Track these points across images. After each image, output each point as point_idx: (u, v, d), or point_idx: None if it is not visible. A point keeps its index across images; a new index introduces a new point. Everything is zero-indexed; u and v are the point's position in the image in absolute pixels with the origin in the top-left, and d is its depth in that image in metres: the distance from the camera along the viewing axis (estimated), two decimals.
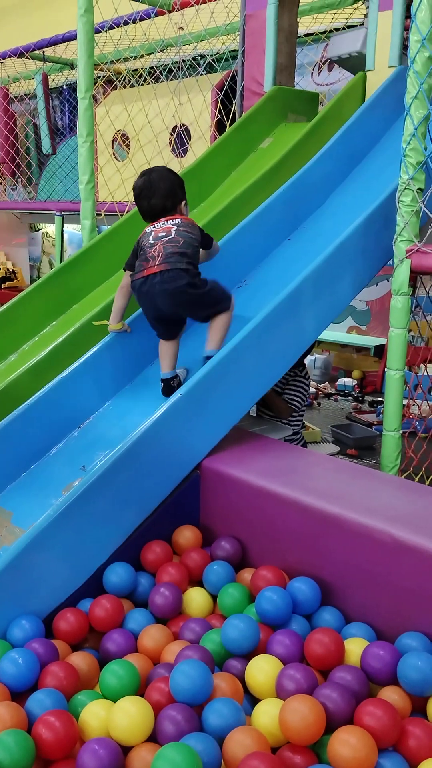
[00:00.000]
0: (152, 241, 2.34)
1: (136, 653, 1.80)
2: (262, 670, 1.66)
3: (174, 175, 2.48)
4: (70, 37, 5.75)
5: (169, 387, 2.39)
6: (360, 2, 4.83)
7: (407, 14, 3.08)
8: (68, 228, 7.27)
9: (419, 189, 2.35)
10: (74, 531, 1.93)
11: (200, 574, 2.08)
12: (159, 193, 2.41)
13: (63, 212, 6.69)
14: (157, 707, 1.57)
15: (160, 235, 2.34)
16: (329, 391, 5.85)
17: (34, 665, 1.66)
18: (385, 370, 2.54)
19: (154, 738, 1.52)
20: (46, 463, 2.34)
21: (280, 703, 1.54)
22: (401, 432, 2.54)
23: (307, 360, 6.18)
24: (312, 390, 5.66)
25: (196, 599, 2.00)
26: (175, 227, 2.35)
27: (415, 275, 2.53)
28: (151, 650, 1.81)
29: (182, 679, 1.55)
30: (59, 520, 1.88)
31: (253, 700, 1.68)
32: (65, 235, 7.05)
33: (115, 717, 1.51)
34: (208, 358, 2.31)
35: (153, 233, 2.37)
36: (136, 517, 2.12)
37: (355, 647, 1.72)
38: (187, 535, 2.20)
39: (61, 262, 6.66)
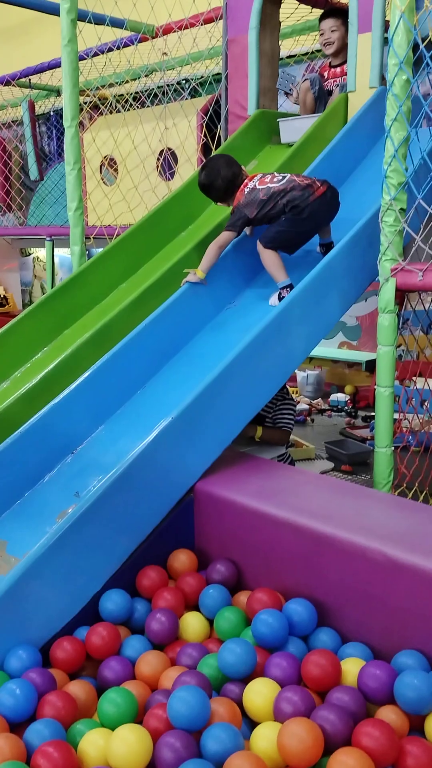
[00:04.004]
0: (280, 182, 2.67)
1: (134, 680, 1.80)
2: (260, 694, 1.66)
3: (225, 156, 2.91)
4: (55, 65, 5.82)
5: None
6: None
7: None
8: (59, 252, 7.30)
9: (401, 209, 2.38)
10: (69, 559, 1.94)
11: (196, 598, 2.09)
12: (223, 165, 2.81)
13: (53, 237, 6.73)
14: (156, 734, 1.57)
15: (276, 179, 2.70)
16: (322, 407, 5.86)
17: (31, 695, 1.67)
18: (375, 386, 2.56)
19: (153, 765, 1.52)
20: (40, 490, 2.35)
21: (279, 726, 1.55)
22: (393, 447, 2.56)
23: (300, 376, 6.20)
24: (305, 406, 5.67)
25: (192, 624, 2.00)
26: (273, 174, 2.75)
27: (402, 292, 2.56)
28: (148, 677, 1.81)
29: (180, 705, 1.55)
30: (54, 548, 1.89)
31: (251, 724, 1.68)
32: (56, 259, 7.08)
33: (113, 745, 1.51)
34: (323, 245, 2.81)
35: (258, 184, 2.71)
36: (131, 543, 2.13)
37: (351, 667, 1.73)
38: (182, 559, 2.21)
39: (52, 286, 6.70)
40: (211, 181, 2.83)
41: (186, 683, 1.65)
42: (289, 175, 2.72)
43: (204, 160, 4.12)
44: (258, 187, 2.71)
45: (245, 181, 2.79)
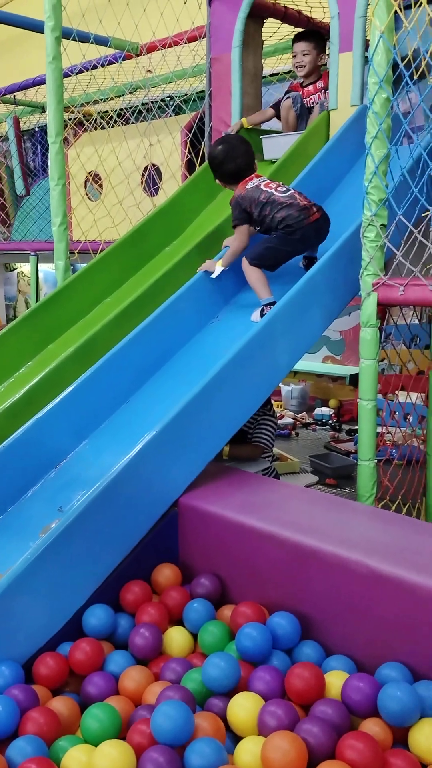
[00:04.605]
0: (283, 194, 2.71)
1: (118, 696, 1.79)
2: (244, 708, 1.66)
3: (246, 141, 2.92)
4: (40, 81, 5.85)
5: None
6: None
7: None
8: (43, 267, 7.30)
9: (382, 225, 2.41)
10: (53, 574, 1.93)
11: (181, 613, 2.08)
12: (242, 153, 2.84)
13: (37, 252, 6.73)
14: (139, 750, 1.56)
15: (280, 189, 2.74)
16: (307, 421, 5.88)
17: (14, 712, 1.65)
18: (358, 400, 2.58)
19: None
20: (23, 505, 2.34)
21: (262, 740, 1.54)
22: (377, 461, 2.58)
23: (284, 390, 6.23)
24: (289, 420, 5.69)
25: (176, 639, 1.99)
26: (279, 183, 2.79)
27: (384, 307, 2.58)
28: (132, 692, 1.80)
29: (163, 720, 1.55)
30: (37, 563, 1.88)
31: (235, 739, 1.67)
32: (41, 274, 7.08)
33: (96, 762, 1.50)
34: (306, 258, 2.86)
35: (263, 186, 2.75)
36: (115, 557, 2.12)
37: (335, 680, 1.73)
38: (166, 573, 2.20)
39: (37, 300, 6.69)
40: (224, 160, 2.85)
41: (170, 698, 1.64)
42: (292, 190, 2.76)
43: (188, 177, 4.16)
44: (262, 188, 2.75)
45: (251, 176, 2.83)
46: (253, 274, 2.74)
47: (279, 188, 2.75)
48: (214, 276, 2.86)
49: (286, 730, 1.53)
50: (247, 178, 2.82)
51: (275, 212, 2.68)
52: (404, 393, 4.09)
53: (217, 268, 2.85)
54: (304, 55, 3.59)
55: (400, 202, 2.43)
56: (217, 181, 2.97)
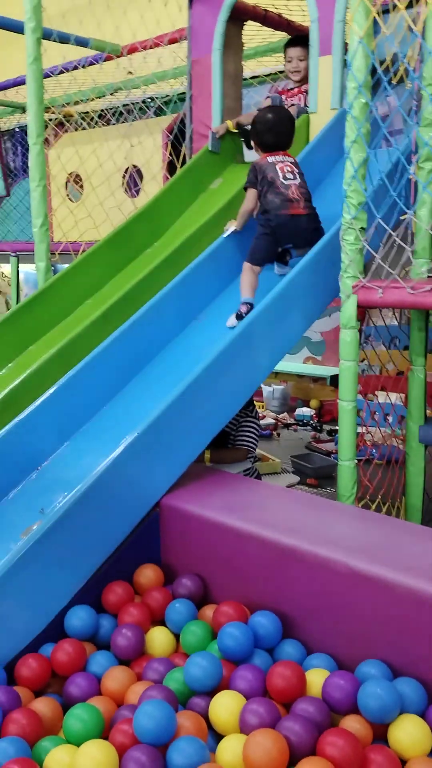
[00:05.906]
0: (284, 181, 2.74)
1: (100, 696, 1.80)
2: (225, 707, 1.67)
3: (293, 120, 2.96)
4: (20, 82, 5.82)
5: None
6: None
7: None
8: (24, 267, 7.27)
9: (361, 228, 2.44)
10: (34, 575, 1.93)
11: (163, 613, 2.09)
12: (285, 130, 2.88)
13: (18, 253, 6.70)
14: (122, 749, 1.57)
15: (287, 176, 2.76)
16: (288, 422, 5.91)
17: None
18: (338, 400, 2.60)
19: None
20: (4, 507, 2.33)
21: (244, 738, 1.56)
22: (357, 460, 2.60)
23: (266, 391, 6.26)
24: (271, 421, 5.72)
25: (158, 639, 2.00)
26: (297, 167, 2.83)
27: (363, 309, 2.61)
28: (114, 692, 1.81)
29: (145, 719, 1.56)
30: (19, 565, 1.88)
31: (217, 737, 1.69)
32: (21, 275, 7.05)
33: (79, 762, 1.51)
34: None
35: (279, 167, 2.78)
36: (97, 559, 2.12)
37: (316, 678, 1.75)
38: (148, 574, 2.21)
39: (17, 302, 6.66)
40: (269, 128, 2.85)
41: (152, 697, 1.65)
42: (296, 183, 2.76)
43: (169, 178, 4.16)
44: (276, 168, 2.77)
45: (278, 151, 2.85)
46: (245, 274, 2.78)
47: (288, 175, 2.77)
48: (225, 235, 2.97)
49: (267, 728, 1.55)
50: (274, 152, 2.84)
51: (267, 194, 2.74)
52: (384, 393, 4.12)
53: (230, 227, 2.95)
54: (300, 60, 3.55)
55: (379, 205, 2.46)
56: (245, 137, 3.00)
